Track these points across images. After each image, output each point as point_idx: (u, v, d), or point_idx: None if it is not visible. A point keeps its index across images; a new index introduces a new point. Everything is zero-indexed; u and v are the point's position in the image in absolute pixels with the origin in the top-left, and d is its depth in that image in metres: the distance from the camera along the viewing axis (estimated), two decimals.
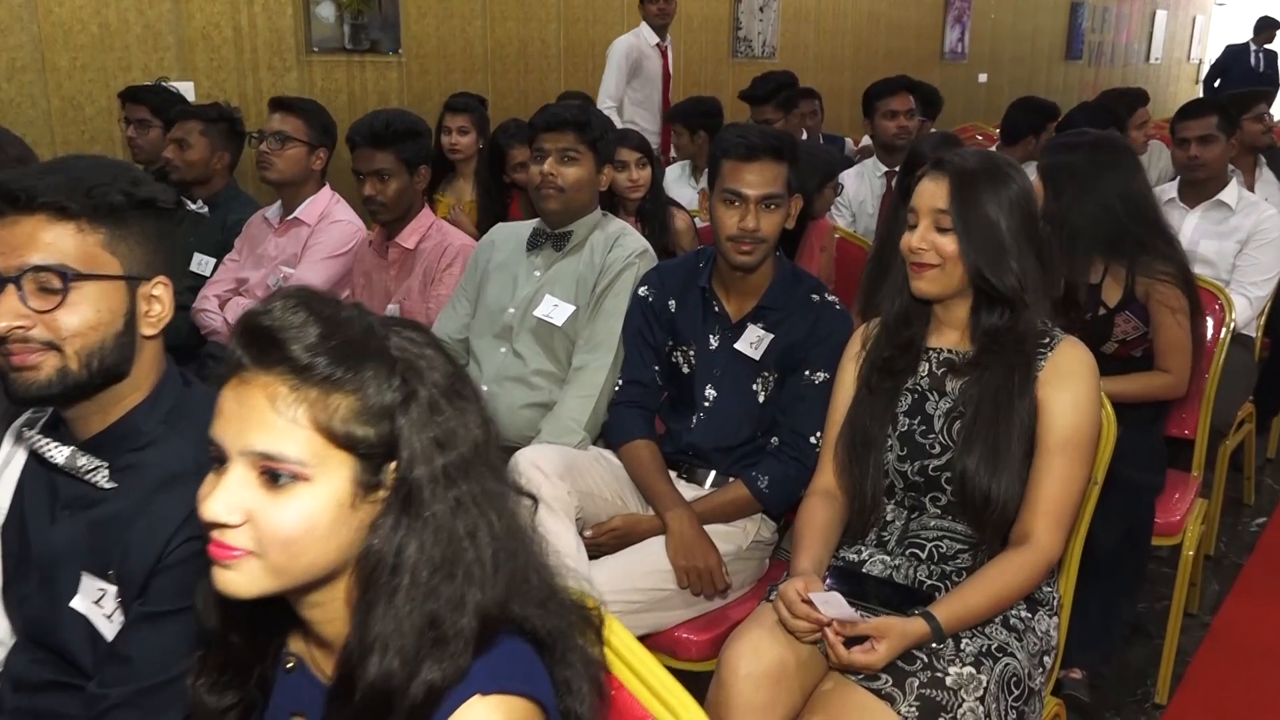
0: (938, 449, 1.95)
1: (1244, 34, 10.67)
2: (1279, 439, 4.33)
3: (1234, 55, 10.47)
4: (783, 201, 2.21)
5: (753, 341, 2.27)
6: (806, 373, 2.23)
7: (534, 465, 2.02)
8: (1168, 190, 3.68)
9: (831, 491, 2.07)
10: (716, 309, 2.31)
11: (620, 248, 2.51)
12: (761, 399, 2.29)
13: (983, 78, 10.21)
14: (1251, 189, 4.14)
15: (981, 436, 1.89)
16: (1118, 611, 2.67)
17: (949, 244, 1.89)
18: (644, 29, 5.64)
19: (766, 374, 2.28)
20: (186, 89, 4.73)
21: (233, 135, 3.44)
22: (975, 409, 1.92)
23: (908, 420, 1.99)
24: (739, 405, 2.29)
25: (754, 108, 4.84)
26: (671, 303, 2.36)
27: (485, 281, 2.61)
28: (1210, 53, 14.49)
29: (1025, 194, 1.93)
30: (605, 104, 5.66)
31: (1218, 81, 10.34)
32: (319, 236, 3.07)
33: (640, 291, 2.39)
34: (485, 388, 2.52)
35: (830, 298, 2.28)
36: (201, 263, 3.36)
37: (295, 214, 3.15)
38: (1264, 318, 3.75)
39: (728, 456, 2.30)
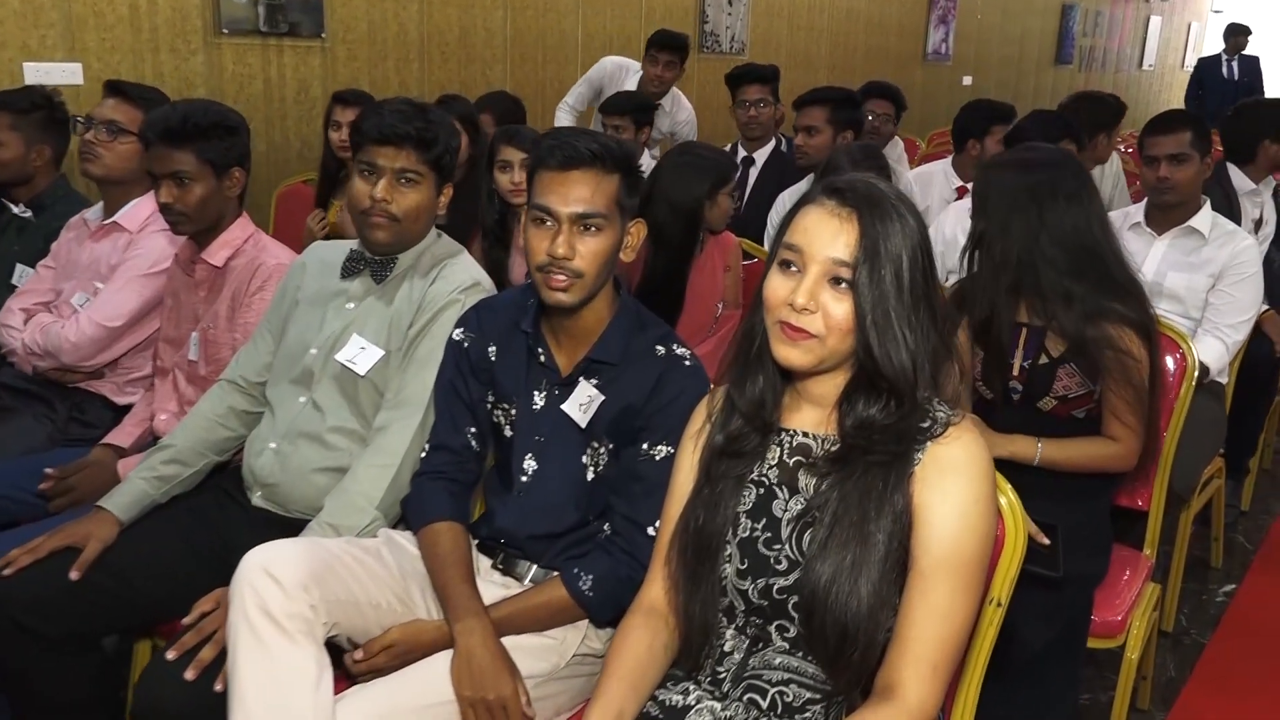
0: (784, 564, 1.47)
1: (1214, 45, 10.18)
2: (1253, 490, 3.82)
3: (1206, 68, 9.96)
4: (607, 224, 1.70)
5: (582, 403, 1.77)
6: (645, 445, 1.74)
7: (265, 573, 1.52)
8: (1133, 214, 3.17)
9: (659, 610, 1.59)
10: (543, 359, 1.81)
11: (444, 280, 2.01)
12: (591, 475, 1.79)
13: (967, 81, 9.66)
14: None
15: (838, 552, 1.41)
16: None
17: (843, 308, 1.40)
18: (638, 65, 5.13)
19: (597, 444, 1.78)
20: (73, 71, 4.23)
21: (53, 124, 2.93)
22: (832, 516, 1.43)
23: (750, 523, 1.51)
24: (563, 482, 1.79)
25: (739, 88, 4.28)
26: (492, 349, 1.86)
27: (292, 313, 2.11)
28: None
29: (926, 240, 1.44)
30: (563, 108, 5.16)
31: (1200, 94, 9.84)
32: (136, 248, 2.57)
33: (455, 335, 1.89)
34: (273, 445, 2.02)
35: (680, 350, 1.78)
36: (22, 274, 2.86)
37: (115, 217, 2.65)
38: (1237, 363, 3.25)
39: (550, 546, 1.81)
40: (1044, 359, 2.24)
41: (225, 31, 4.61)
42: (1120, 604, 2.25)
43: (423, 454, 1.88)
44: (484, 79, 5.77)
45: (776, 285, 1.44)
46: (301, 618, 1.52)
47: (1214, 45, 13.68)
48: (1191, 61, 13.65)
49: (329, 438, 1.98)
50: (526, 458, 1.81)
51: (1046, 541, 2.05)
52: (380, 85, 5.23)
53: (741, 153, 3.99)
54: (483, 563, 1.86)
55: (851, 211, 1.40)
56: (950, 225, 3.39)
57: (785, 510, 1.49)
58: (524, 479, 1.81)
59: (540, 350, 1.81)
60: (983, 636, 1.59)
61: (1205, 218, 3.05)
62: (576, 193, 1.67)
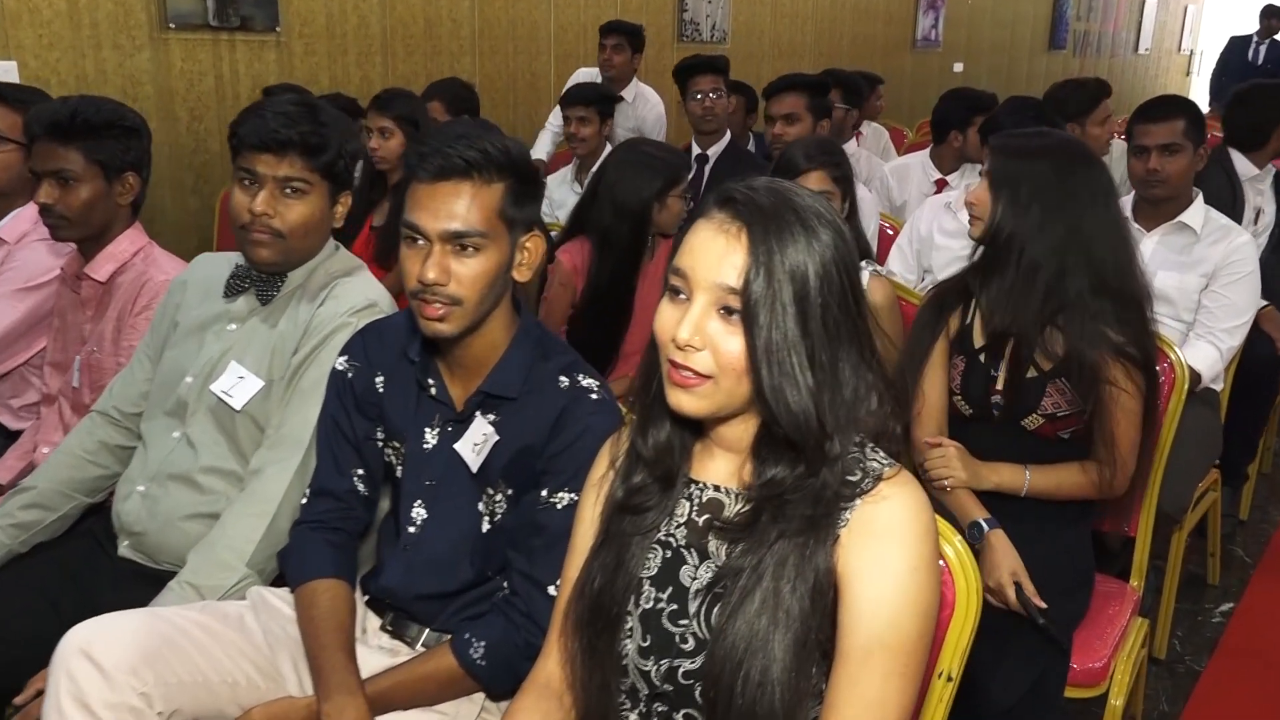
0: (691, 643, 1.23)
1: (1239, 24, 9.80)
2: (1251, 497, 3.57)
3: (1234, 48, 9.52)
4: (487, 242, 1.45)
5: (476, 442, 1.53)
6: (545, 491, 1.49)
7: (84, 656, 1.28)
8: (1122, 208, 2.91)
9: (554, 687, 1.35)
10: (434, 391, 1.57)
11: (335, 300, 1.76)
12: (486, 526, 1.55)
13: (958, 67, 9.36)
14: None
15: (748, 633, 1.16)
16: None
17: (735, 343, 1.15)
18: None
19: (493, 490, 1.54)
20: (8, 70, 3.98)
21: None
22: (741, 590, 1.18)
23: (654, 592, 1.26)
24: (456, 534, 1.55)
25: (690, 79, 4.00)
26: (379, 379, 1.61)
27: (170, 335, 1.87)
28: (1202, 43, 13.60)
29: (847, 256, 1.19)
30: (544, 132, 4.94)
31: (1223, 77, 9.40)
32: (14, 260, 2.32)
33: (338, 364, 1.64)
34: (141, 488, 1.78)
35: (587, 381, 1.52)
36: None
37: None
38: (1234, 364, 3.00)
39: (443, 607, 1.56)
40: (1031, 372, 2.00)
41: (172, 26, 4.36)
42: (1103, 646, 2.01)
43: (303, 500, 1.64)
44: (451, 73, 5.48)
45: (664, 317, 1.19)
46: (127, 708, 1.28)
47: (1210, 29, 13.38)
48: (1188, 45, 13.34)
49: (202, 479, 1.74)
50: (415, 505, 1.57)
51: (1043, 605, 1.83)
52: (341, 81, 4.99)
53: (695, 149, 3.72)
54: (371, 623, 1.62)
55: (742, 227, 1.15)
56: (926, 222, 3.13)
57: (694, 579, 1.25)
58: (411, 530, 1.56)
59: (431, 382, 1.56)
60: (931, 715, 1.35)
61: (1197, 213, 2.79)
62: (448, 208, 1.42)
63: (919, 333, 2.09)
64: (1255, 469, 3.52)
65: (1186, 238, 2.79)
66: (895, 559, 1.16)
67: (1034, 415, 2.01)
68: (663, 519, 1.28)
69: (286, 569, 1.60)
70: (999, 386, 2.02)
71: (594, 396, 1.51)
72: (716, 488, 1.26)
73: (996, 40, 9.84)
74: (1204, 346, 2.70)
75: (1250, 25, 9.65)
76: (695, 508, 1.27)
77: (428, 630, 1.57)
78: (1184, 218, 2.78)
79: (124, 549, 1.79)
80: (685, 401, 1.18)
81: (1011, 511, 1.99)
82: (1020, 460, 2.03)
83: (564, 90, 4.33)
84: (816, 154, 2.28)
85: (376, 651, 1.56)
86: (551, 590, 1.45)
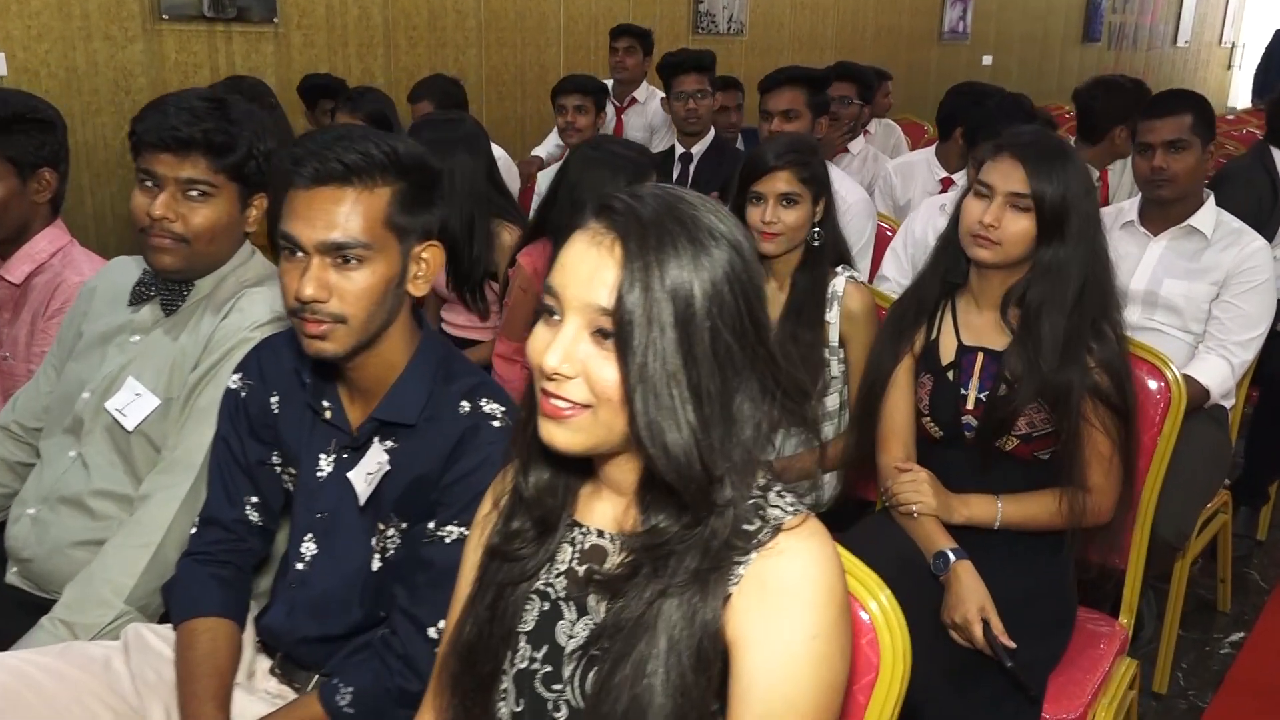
0: (564, 712, 1.08)
1: None
2: (1270, 518, 3.34)
3: (1279, 42, 8.97)
4: (372, 254, 1.29)
5: (369, 471, 1.38)
6: (434, 524, 1.34)
7: None
8: (1125, 211, 2.70)
9: None
10: (329, 414, 1.42)
11: (240, 313, 1.62)
12: (378, 564, 1.40)
13: (987, 60, 9.09)
14: None
15: (626, 702, 1.01)
16: None
17: (608, 371, 0.99)
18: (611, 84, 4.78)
19: (384, 525, 1.39)
20: None
21: None
22: (619, 654, 1.03)
23: (529, 650, 1.11)
24: (346, 571, 1.40)
25: (674, 78, 3.83)
26: (274, 399, 1.47)
27: (75, 345, 1.74)
28: (1245, 36, 13.14)
29: (747, 272, 1.02)
30: (547, 145, 4.77)
31: (1268, 72, 8.84)
32: None
33: (232, 382, 1.50)
34: (32, 510, 1.65)
35: (490, 407, 1.37)
36: None
37: None
38: (1253, 378, 2.79)
39: (331, 651, 1.42)
40: (1003, 390, 1.83)
41: (166, 17, 4.27)
42: (1081, 692, 1.82)
43: (192, 530, 1.50)
44: (456, 65, 5.37)
45: (535, 341, 1.03)
46: None
47: (1254, 21, 12.92)
48: (1229, 38, 12.90)
49: (93, 503, 1.60)
50: (305, 539, 1.43)
51: (1011, 645, 1.66)
52: (342, 74, 4.84)
53: (679, 149, 3.55)
54: (261, 665, 1.48)
55: (616, 239, 0.99)
56: (921, 224, 2.94)
57: (570, 637, 1.10)
58: (299, 566, 1.42)
59: (327, 405, 1.42)
60: None
61: (1208, 216, 2.58)
62: (326, 216, 1.27)
63: (881, 350, 1.92)
64: (1276, 488, 3.29)
65: (1196, 243, 2.58)
66: (791, 624, 1.00)
67: (1009, 436, 1.83)
68: (543, 565, 1.13)
69: (169, 605, 1.46)
70: (970, 406, 1.85)
71: (496, 424, 1.36)
72: (600, 533, 1.11)
73: (1027, 32, 9.54)
74: (1214, 360, 2.50)
75: None
76: (576, 555, 1.12)
77: (317, 675, 1.43)
78: (1193, 221, 2.57)
79: (11, 576, 1.66)
80: (557, 435, 1.02)
81: (981, 540, 1.82)
82: (997, 484, 1.86)
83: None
84: (786, 152, 2.11)
85: (260, 698, 1.42)
86: (433, 632, 1.30)
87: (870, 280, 3.06)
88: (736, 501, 1.02)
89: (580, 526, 1.12)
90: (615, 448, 1.04)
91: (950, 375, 1.86)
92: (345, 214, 1.27)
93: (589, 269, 0.99)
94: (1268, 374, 2.91)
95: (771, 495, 1.06)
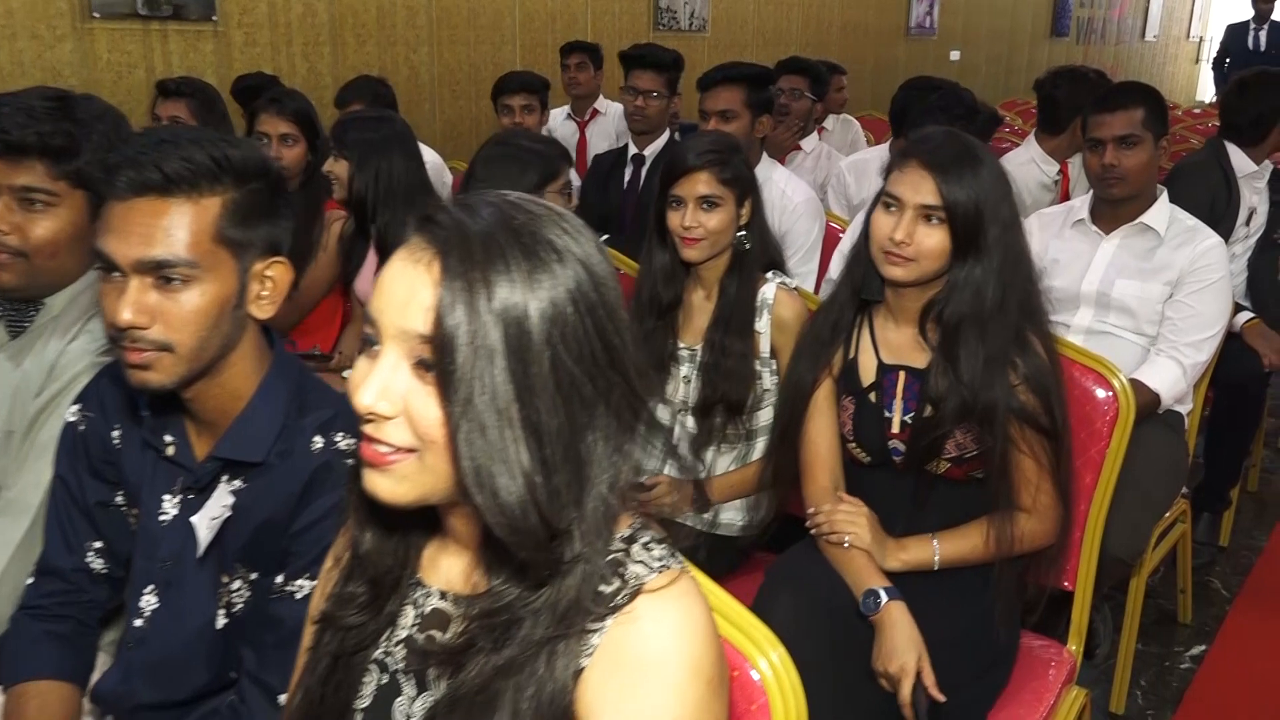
0: None
1: (1246, 10, 9.26)
2: (1233, 522, 3.22)
3: (1233, 35, 8.99)
4: (198, 273, 1.14)
5: (214, 515, 1.23)
6: (282, 578, 1.19)
7: None
8: (1076, 209, 2.57)
9: None
10: (172, 450, 1.26)
11: (89, 336, 1.46)
12: (222, 621, 1.25)
13: (955, 55, 8.96)
14: None
15: None
16: None
17: (430, 408, 0.84)
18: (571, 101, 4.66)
19: (229, 576, 1.24)
20: None
21: None
22: None
23: None
24: (189, 628, 1.25)
25: (630, 71, 3.61)
26: (115, 433, 1.31)
27: None
28: (1212, 29, 13.07)
29: (604, 291, 0.87)
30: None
31: (1226, 63, 8.85)
32: None
33: (69, 414, 1.34)
34: None
35: (347, 443, 1.22)
36: None
37: None
38: (1209, 382, 2.66)
39: (176, 718, 1.27)
40: (928, 411, 1.68)
41: (97, 15, 4.08)
42: None
43: (29, 580, 1.34)
44: (407, 64, 5.21)
45: (353, 376, 0.88)
46: None
47: (1220, 16, 12.85)
48: (1197, 32, 12.84)
49: None
50: (146, 591, 1.27)
51: (941, 698, 1.52)
52: (287, 74, 4.68)
53: (631, 149, 3.39)
54: None
55: (435, 255, 0.84)
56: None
57: (408, 716, 0.95)
58: (138, 623, 1.26)
59: (169, 440, 1.26)
60: None
61: (1161, 213, 2.45)
62: (143, 231, 1.12)
63: (798, 369, 1.77)
64: (1238, 491, 3.17)
65: (1149, 241, 2.45)
66: (651, 704, 0.85)
67: (940, 459, 1.69)
68: (383, 631, 0.98)
69: (1, 664, 1.30)
70: (895, 429, 1.70)
71: (352, 462, 1.20)
72: (444, 594, 0.96)
73: (995, 27, 9.43)
74: (1166, 364, 2.36)
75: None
76: (417, 620, 0.97)
77: None
78: (1146, 219, 2.44)
79: None
80: (380, 485, 0.88)
81: (911, 573, 1.68)
82: (933, 508, 1.73)
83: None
84: (705, 152, 1.96)
85: None
86: (283, 699, 1.15)
87: (819, 283, 2.92)
88: (589, 557, 0.87)
89: (423, 587, 0.97)
90: (450, 497, 0.89)
91: (872, 397, 1.72)
92: (166, 228, 1.11)
93: (405, 290, 0.85)
94: (1224, 377, 2.79)
95: (636, 549, 0.91)
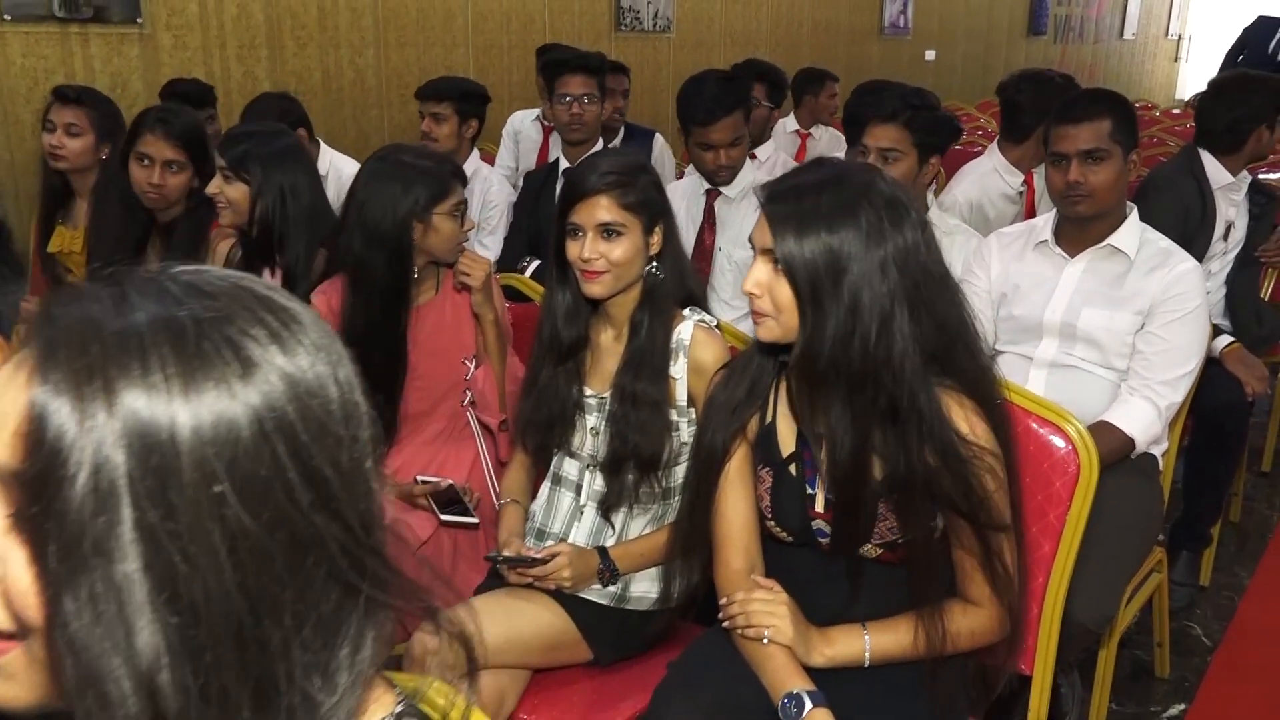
0: None
1: (1229, 8, 8.74)
2: (1214, 558, 2.96)
3: (1259, 30, 7.67)
4: None
5: None
6: None
7: None
8: (1039, 229, 2.30)
9: None
10: None
11: None
12: None
13: (930, 55, 8.70)
14: None
15: None
16: None
17: (22, 576, 0.56)
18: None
19: None
20: None
21: None
22: None
23: None
24: None
25: (557, 79, 3.32)
26: None
27: None
28: (1190, 28, 12.84)
29: (291, 408, 0.60)
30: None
31: (1240, 60, 7.93)
32: None
33: None
34: None
35: None
36: None
37: None
38: (1187, 416, 2.40)
39: None
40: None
41: (8, 17, 3.79)
42: None
43: None
44: (352, 67, 4.92)
45: None
46: None
47: (1199, 14, 12.62)
48: (1176, 30, 12.61)
49: None
50: None
51: None
52: (220, 79, 4.39)
53: (563, 162, 3.11)
54: None
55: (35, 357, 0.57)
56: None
57: None
58: None
59: None
60: None
61: (1131, 234, 2.18)
62: None
63: (710, 429, 1.50)
64: (1218, 527, 2.91)
65: (1118, 265, 2.18)
66: None
67: (870, 545, 1.42)
68: None
69: None
70: (819, 508, 1.44)
71: None
72: None
73: (971, 26, 9.17)
74: (1139, 404, 2.10)
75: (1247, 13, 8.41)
76: None
77: None
78: (1114, 240, 2.18)
79: None
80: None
81: (836, 670, 1.42)
82: (867, 593, 1.46)
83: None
84: (608, 173, 1.69)
85: None
86: None
87: None
88: None
89: None
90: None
91: (792, 469, 1.45)
92: None
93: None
94: (1204, 405, 2.53)
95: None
